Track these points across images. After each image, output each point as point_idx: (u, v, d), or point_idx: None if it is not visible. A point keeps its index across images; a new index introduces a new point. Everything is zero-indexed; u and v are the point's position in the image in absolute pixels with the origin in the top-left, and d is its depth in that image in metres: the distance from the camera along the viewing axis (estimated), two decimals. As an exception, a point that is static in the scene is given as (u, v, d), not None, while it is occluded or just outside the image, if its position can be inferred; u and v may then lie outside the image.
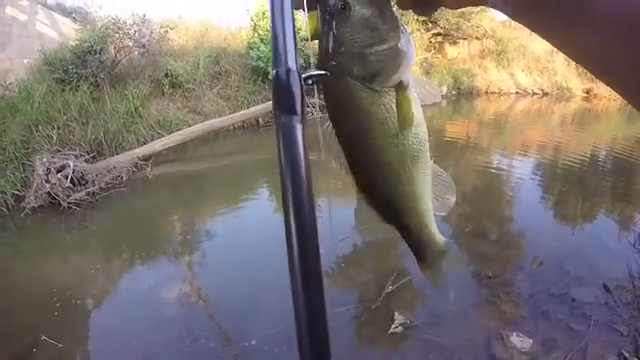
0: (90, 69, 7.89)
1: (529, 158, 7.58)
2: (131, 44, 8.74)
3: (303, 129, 0.45)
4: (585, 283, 3.45)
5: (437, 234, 0.57)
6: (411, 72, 0.49)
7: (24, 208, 5.42)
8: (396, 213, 0.54)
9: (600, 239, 4.41)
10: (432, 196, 0.55)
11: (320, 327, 0.45)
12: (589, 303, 3.18)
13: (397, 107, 0.48)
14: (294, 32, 0.46)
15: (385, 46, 0.47)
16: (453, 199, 0.56)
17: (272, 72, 0.45)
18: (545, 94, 13.89)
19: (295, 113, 0.45)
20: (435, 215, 0.56)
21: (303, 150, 0.45)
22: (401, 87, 0.48)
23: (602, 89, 13.40)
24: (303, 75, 0.46)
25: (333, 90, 0.49)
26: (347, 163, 0.52)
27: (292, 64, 0.45)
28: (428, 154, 0.52)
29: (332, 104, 0.51)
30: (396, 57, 0.47)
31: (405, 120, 0.49)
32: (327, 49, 0.48)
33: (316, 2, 0.48)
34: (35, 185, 5.55)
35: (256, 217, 5.38)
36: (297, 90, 0.45)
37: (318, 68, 0.49)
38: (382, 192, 0.53)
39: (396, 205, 0.54)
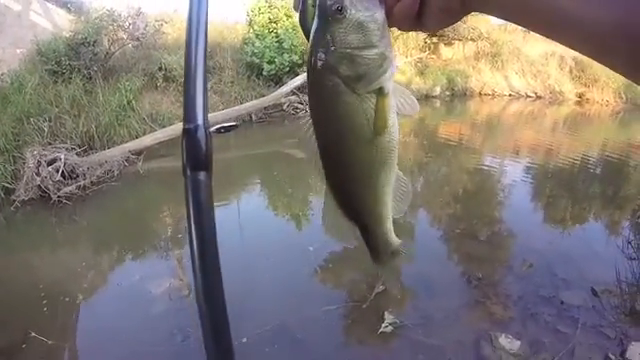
0: (83, 61, 7.83)
1: (520, 160, 7.64)
2: (125, 37, 8.67)
3: (209, 183, 0.50)
4: (573, 286, 3.49)
5: (393, 235, 0.60)
6: (393, 81, 0.51)
7: (14, 201, 5.36)
8: (358, 212, 0.58)
9: (589, 243, 4.45)
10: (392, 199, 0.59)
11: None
12: (577, 306, 3.22)
13: (375, 112, 0.50)
14: (205, 87, 0.51)
15: (374, 51, 0.48)
16: (407, 205, 0.59)
17: (183, 127, 0.50)
18: (538, 97, 13.95)
19: (202, 169, 0.50)
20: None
21: (208, 204, 0.50)
22: (381, 94, 0.50)
23: (594, 93, 13.52)
24: (214, 128, 0.53)
25: (318, 87, 0.51)
26: (320, 159, 0.54)
27: (201, 121, 0.50)
28: (396, 161, 0.55)
29: (315, 101, 0.52)
30: (382, 64, 0.49)
31: (380, 126, 0.51)
32: (317, 46, 0.49)
33: None
34: (25, 178, 5.49)
35: (247, 215, 5.37)
36: (205, 147, 0.50)
37: (308, 63, 0.50)
38: (349, 191, 0.56)
39: (359, 204, 0.57)
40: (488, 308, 3.20)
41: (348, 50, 0.48)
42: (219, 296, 0.52)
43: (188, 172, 0.49)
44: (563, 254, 4.11)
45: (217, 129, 0.55)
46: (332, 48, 0.48)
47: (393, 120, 0.52)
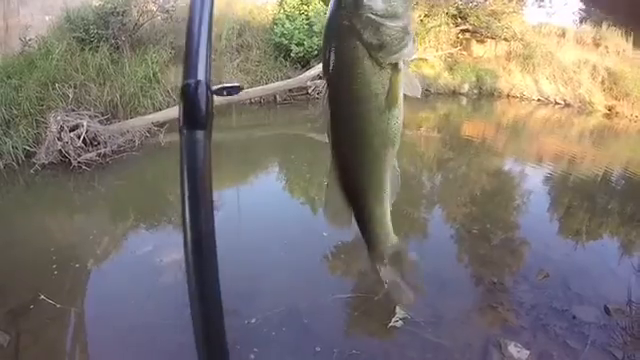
0: (111, 30, 7.84)
1: (543, 167, 7.48)
2: (155, 9, 8.65)
3: (207, 144, 0.46)
4: (587, 302, 3.40)
5: (390, 230, 0.60)
6: (407, 60, 0.52)
7: (34, 164, 5.44)
8: (357, 185, 0.57)
9: (605, 259, 4.33)
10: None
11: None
12: (588, 322, 3.13)
13: (389, 86, 0.51)
14: (209, 40, 0.47)
15: (399, 24, 0.49)
16: (396, 192, 0.59)
17: (182, 83, 0.46)
18: (567, 105, 13.57)
19: (200, 128, 0.45)
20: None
21: (205, 167, 0.46)
22: (397, 69, 0.51)
23: (625, 108, 13.12)
24: (216, 87, 0.49)
25: (338, 48, 0.50)
26: (330, 122, 0.54)
27: (202, 76, 0.45)
28: (398, 146, 0.55)
29: (334, 63, 0.51)
30: (404, 37, 0.50)
31: (393, 99, 0.51)
32: (344, 7, 0.49)
33: None
34: (47, 142, 5.56)
35: (264, 194, 5.36)
36: (205, 104, 0.45)
37: (329, 23, 0.50)
38: (353, 163, 0.56)
39: (359, 177, 0.56)
40: (500, 314, 3.14)
41: (374, 17, 0.48)
42: (212, 279, 0.47)
43: (184, 130, 0.46)
44: (579, 267, 4.02)
45: (218, 89, 0.51)
46: (359, 12, 0.48)
47: (401, 99, 0.53)
